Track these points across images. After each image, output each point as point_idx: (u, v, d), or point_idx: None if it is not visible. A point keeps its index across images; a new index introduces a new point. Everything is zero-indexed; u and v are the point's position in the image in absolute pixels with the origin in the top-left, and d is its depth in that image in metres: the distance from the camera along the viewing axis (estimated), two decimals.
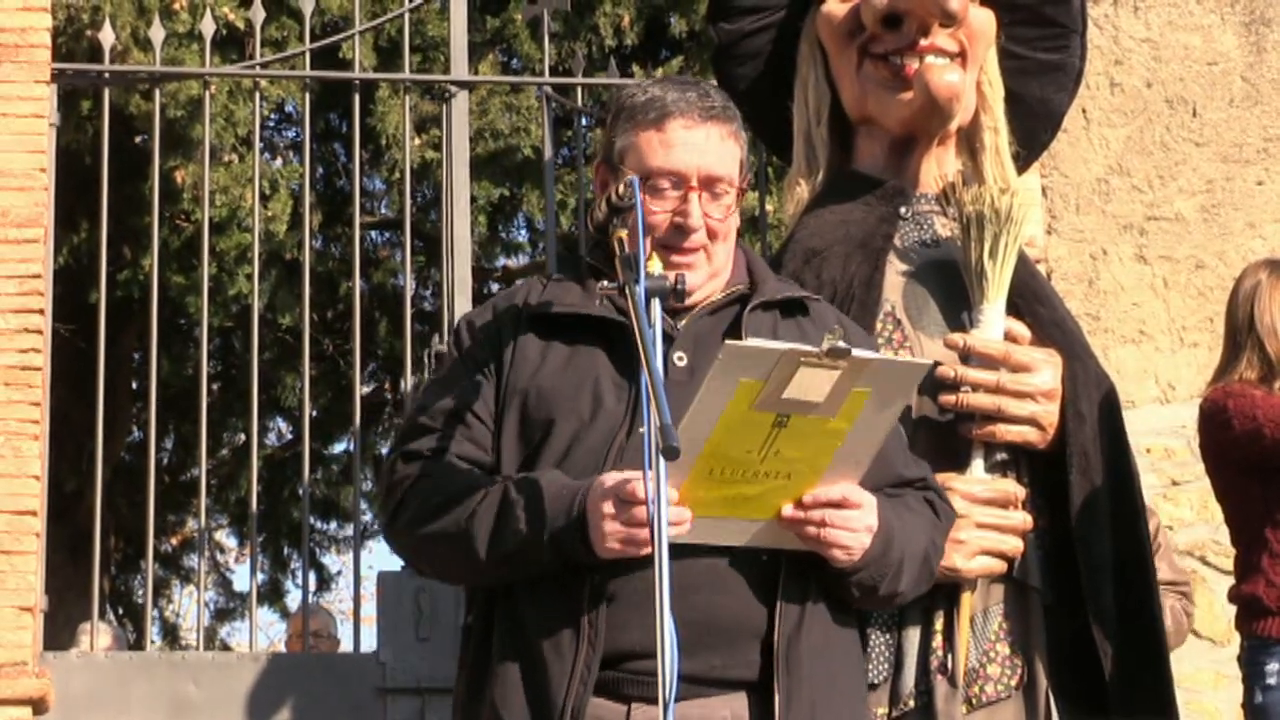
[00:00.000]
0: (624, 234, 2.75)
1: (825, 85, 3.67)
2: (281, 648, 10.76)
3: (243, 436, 11.55)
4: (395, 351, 9.75)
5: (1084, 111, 6.16)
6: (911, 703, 3.24)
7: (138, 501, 9.99)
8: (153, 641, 9.06)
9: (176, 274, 9.31)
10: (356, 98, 6.03)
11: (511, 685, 2.69)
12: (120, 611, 13.18)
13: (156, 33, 5.94)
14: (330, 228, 10.47)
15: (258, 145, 6.29)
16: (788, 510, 2.68)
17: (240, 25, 8.59)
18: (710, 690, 2.69)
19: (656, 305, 2.66)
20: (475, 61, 8.56)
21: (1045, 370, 3.39)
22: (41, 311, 5.28)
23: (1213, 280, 6.13)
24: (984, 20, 3.62)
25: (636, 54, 9.56)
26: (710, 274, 2.88)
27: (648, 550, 2.57)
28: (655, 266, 2.74)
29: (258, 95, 6.24)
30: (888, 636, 3.26)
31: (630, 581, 2.65)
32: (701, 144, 2.83)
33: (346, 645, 7.30)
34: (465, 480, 2.77)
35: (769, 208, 6.63)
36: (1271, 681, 4.36)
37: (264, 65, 6.64)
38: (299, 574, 11.93)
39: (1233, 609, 4.53)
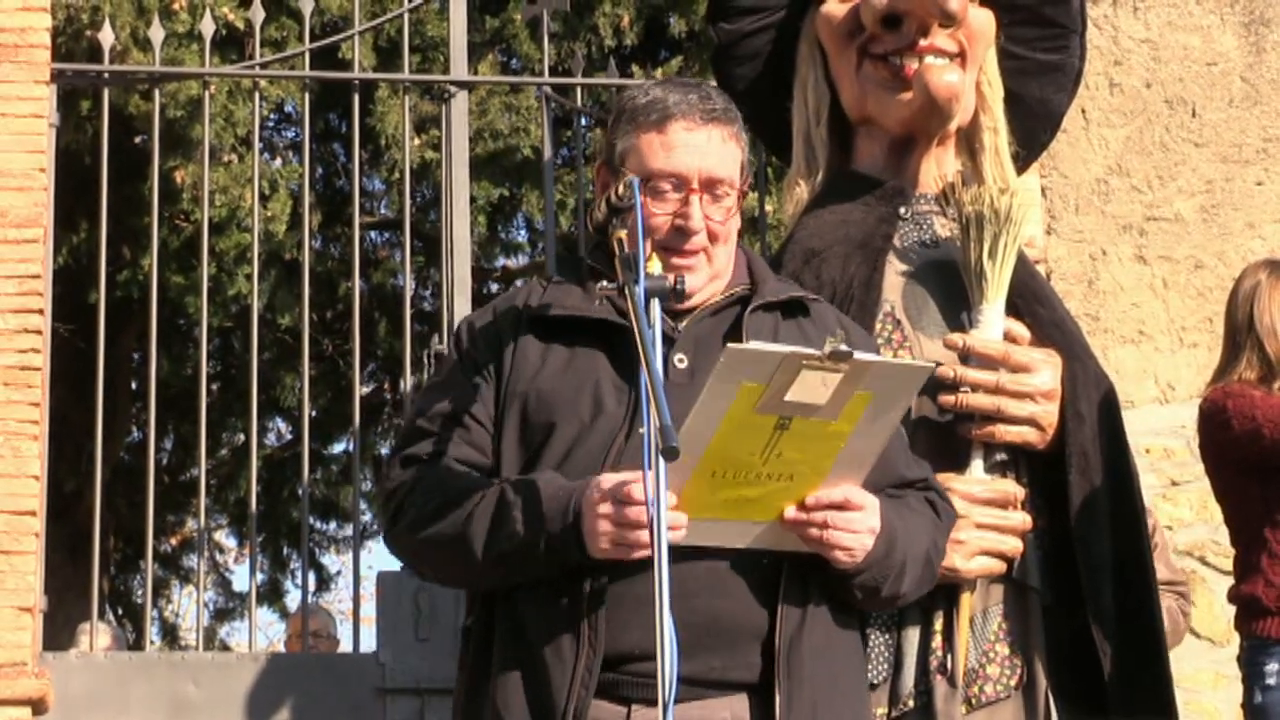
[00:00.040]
0: (624, 234, 2.74)
1: (825, 85, 3.67)
2: (281, 648, 10.76)
3: (242, 437, 11.53)
4: (395, 352, 9.75)
5: (1083, 112, 6.15)
6: (911, 703, 3.24)
7: (137, 501, 9.97)
8: (152, 642, 9.06)
9: (176, 274, 9.31)
10: (356, 98, 6.02)
11: (512, 688, 2.68)
12: (120, 612, 13.17)
13: (156, 33, 5.93)
14: (330, 228, 10.47)
15: (257, 145, 6.28)
16: (790, 512, 2.68)
17: (240, 25, 8.59)
18: (710, 692, 2.68)
19: (656, 305, 2.65)
20: (475, 62, 8.56)
21: (1045, 371, 3.39)
22: (41, 311, 5.27)
23: (1212, 280, 6.12)
24: (983, 20, 3.62)
25: (636, 54, 9.55)
26: (711, 276, 2.87)
27: (639, 553, 2.58)
28: (655, 267, 2.73)
29: (257, 95, 6.24)
30: (887, 637, 3.26)
31: (630, 584, 2.64)
32: (703, 146, 2.83)
33: (346, 645, 7.29)
34: (463, 483, 2.76)
35: (769, 208, 6.62)
36: (1271, 681, 4.36)
37: (263, 65, 6.64)
38: (298, 574, 11.90)
39: (1232, 609, 4.53)
